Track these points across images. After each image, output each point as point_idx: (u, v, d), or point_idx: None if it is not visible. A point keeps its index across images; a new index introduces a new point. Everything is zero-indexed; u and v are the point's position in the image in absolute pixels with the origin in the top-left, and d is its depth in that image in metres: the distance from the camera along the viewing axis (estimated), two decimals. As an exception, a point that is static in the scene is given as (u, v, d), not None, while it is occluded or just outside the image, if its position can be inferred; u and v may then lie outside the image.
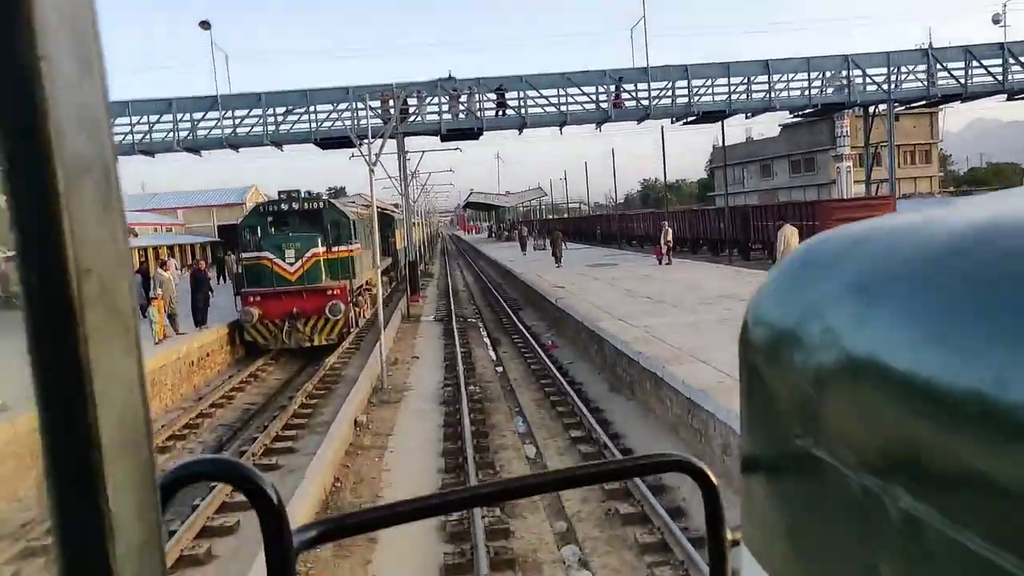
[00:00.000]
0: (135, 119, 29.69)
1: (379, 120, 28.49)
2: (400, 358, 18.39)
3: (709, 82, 32.94)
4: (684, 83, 32.64)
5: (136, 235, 47.04)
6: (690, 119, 33.90)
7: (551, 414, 12.52)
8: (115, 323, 0.59)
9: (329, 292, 19.41)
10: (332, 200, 22.08)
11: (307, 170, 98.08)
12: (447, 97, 31.69)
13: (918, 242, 0.78)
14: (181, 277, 26.19)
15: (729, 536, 1.08)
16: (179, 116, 29.87)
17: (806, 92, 33.45)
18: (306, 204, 20.60)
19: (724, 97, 33.05)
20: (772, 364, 0.94)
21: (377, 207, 33.48)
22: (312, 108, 30.84)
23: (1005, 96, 34.21)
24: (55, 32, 0.54)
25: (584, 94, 31.96)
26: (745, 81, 33.11)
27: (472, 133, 32.05)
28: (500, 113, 32.18)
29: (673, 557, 7.08)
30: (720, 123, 38.95)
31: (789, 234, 18.69)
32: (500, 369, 16.89)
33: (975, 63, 33.23)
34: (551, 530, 8.12)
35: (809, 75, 33.30)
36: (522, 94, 31.79)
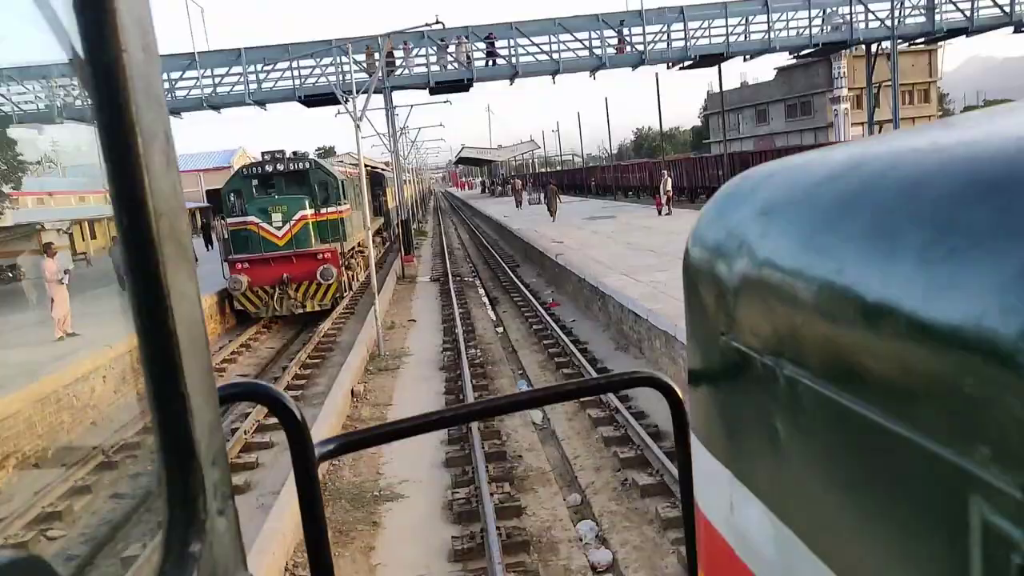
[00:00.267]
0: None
1: (365, 74, 27.43)
2: (396, 322, 17.76)
3: (706, 24, 31.78)
4: (680, 26, 31.50)
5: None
6: (687, 64, 32.80)
7: (556, 377, 11.93)
8: (180, 255, 0.81)
9: (320, 256, 18.68)
10: (318, 160, 21.18)
11: (295, 130, 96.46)
12: (435, 48, 30.56)
13: (807, 173, 0.98)
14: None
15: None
16: (156, 77, 28.67)
17: (806, 31, 32.32)
18: (291, 165, 19.72)
19: (721, 39, 31.92)
20: (704, 278, 1.11)
21: (366, 165, 32.63)
22: (295, 64, 29.70)
23: (1012, 28, 33.10)
24: (129, 31, 0.74)
25: (577, 40, 30.82)
26: (743, 22, 31.97)
27: (462, 85, 30.95)
28: (490, 63, 31.07)
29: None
30: (717, 67, 37.87)
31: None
32: (500, 330, 16.28)
33: (980, -6, 32.07)
34: (564, 504, 7.56)
35: (810, 13, 32.14)
36: (512, 42, 30.64)
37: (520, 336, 15.32)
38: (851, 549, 0.77)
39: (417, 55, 30.63)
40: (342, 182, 21.00)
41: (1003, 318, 0.55)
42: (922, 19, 32.62)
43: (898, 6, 32.37)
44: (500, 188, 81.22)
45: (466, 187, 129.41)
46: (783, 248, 0.90)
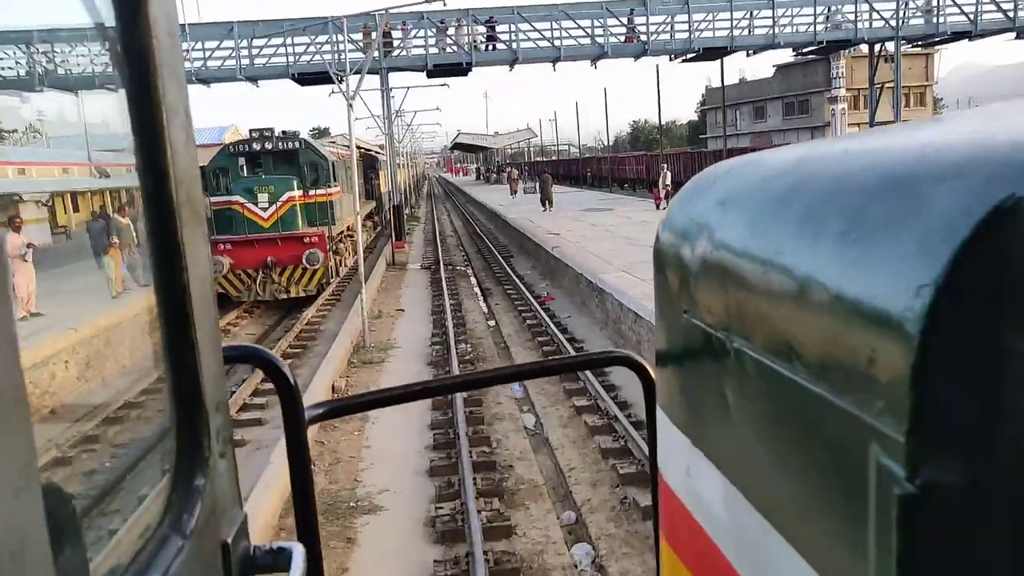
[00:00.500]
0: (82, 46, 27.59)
1: (360, 54, 26.62)
2: (384, 311, 17.09)
3: (710, 16, 31.08)
4: (684, 17, 30.79)
5: (108, 176, 45.05)
6: (690, 56, 32.12)
7: (551, 377, 11.31)
8: (195, 219, 0.93)
9: (306, 239, 17.96)
10: (309, 140, 20.42)
11: (290, 109, 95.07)
12: (434, 30, 29.75)
13: (760, 169, 1.07)
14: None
15: None
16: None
17: (810, 28, 31.68)
18: (280, 144, 18.95)
19: (725, 33, 31.24)
20: (670, 261, 1.18)
21: (360, 147, 31.84)
22: (289, 40, 28.85)
23: (1014, 35, 32.59)
24: (159, 22, 0.85)
25: (580, 28, 30.07)
26: (748, 16, 31.30)
27: (460, 68, 30.17)
28: (490, 47, 30.30)
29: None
30: (720, 61, 37.22)
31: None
32: (492, 323, 15.64)
33: (985, -1, 31.48)
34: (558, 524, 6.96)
35: (815, 9, 31.49)
36: (514, 27, 29.87)
37: (513, 331, 14.69)
38: (781, 499, 0.87)
39: (416, 36, 29.84)
40: (333, 163, 20.26)
41: (896, 290, 0.64)
42: (924, 21, 32.03)
43: (903, 7, 31.80)
44: (495, 175, 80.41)
45: (460, 173, 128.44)
46: (735, 234, 0.99)
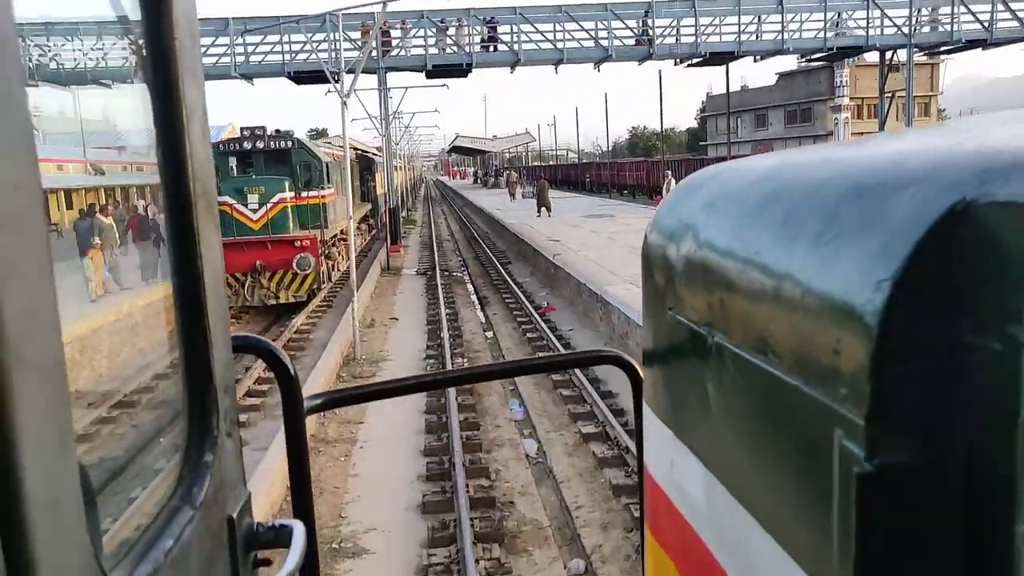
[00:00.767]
0: (87, 42, 26.80)
1: (359, 53, 25.85)
2: (377, 319, 16.30)
3: (717, 20, 30.37)
4: (690, 21, 30.08)
5: (103, 173, 44.24)
6: (696, 60, 31.40)
7: (553, 397, 10.54)
8: (209, 211, 0.99)
9: (297, 243, 17.16)
10: (302, 140, 19.62)
11: (288, 109, 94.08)
12: (434, 30, 29.00)
13: (745, 173, 1.11)
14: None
15: None
16: (136, 42, 26.98)
17: (820, 34, 31.00)
18: (272, 143, 18.15)
19: (732, 37, 30.53)
20: (657, 261, 1.22)
21: (356, 148, 31.06)
22: (285, 38, 28.07)
23: (1028, 44, 31.96)
24: (180, 25, 0.91)
25: (583, 29, 29.33)
26: (755, 20, 30.61)
27: (460, 70, 29.39)
28: (491, 48, 29.55)
29: None
30: (725, 67, 36.53)
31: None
32: (490, 335, 14.87)
33: (1000, 6, 30.83)
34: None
35: (825, 15, 30.81)
36: (515, 28, 29.13)
37: (512, 344, 13.92)
38: (756, 485, 0.90)
39: (415, 36, 29.09)
40: (327, 164, 19.49)
41: (859, 286, 0.68)
42: (938, 28, 31.38)
43: (915, 14, 31.15)
44: (493, 179, 79.62)
45: (458, 177, 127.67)
46: (719, 234, 1.03)
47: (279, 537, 1.14)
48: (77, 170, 42.95)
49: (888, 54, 33.66)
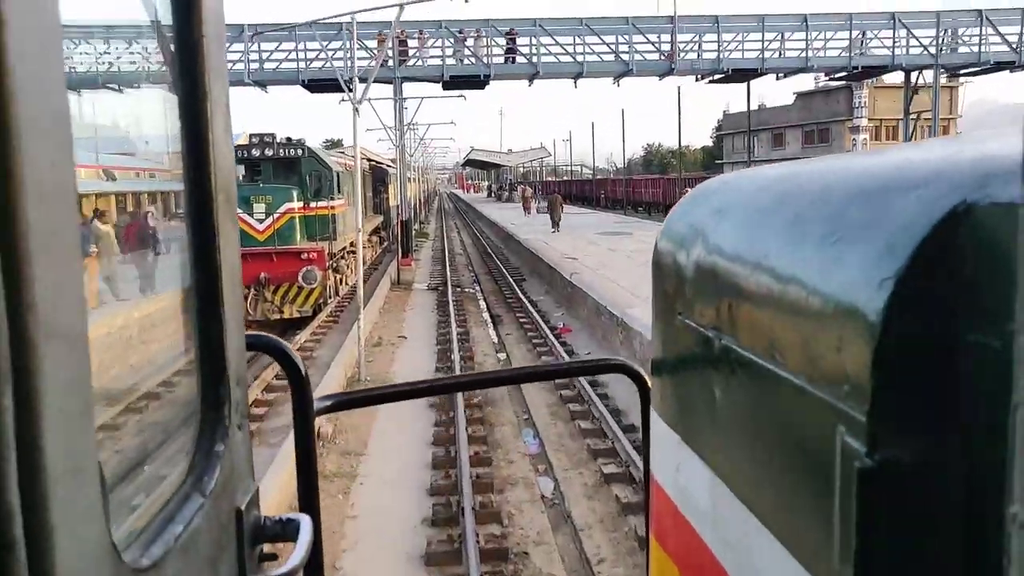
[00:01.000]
0: (100, 47, 26.39)
1: (374, 62, 25.32)
2: (384, 337, 15.60)
3: (740, 36, 29.72)
4: (713, 37, 29.45)
5: (114, 179, 43.85)
6: (717, 77, 30.73)
7: (571, 429, 9.78)
8: (228, 206, 1.02)
9: (304, 255, 16.49)
10: (313, 148, 19.01)
11: (304, 118, 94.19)
12: (452, 40, 28.48)
13: (753, 182, 1.15)
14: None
15: None
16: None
17: (845, 52, 30.28)
18: (282, 151, 17.54)
19: (756, 54, 29.86)
20: (667, 268, 1.25)
21: (370, 159, 30.50)
22: (301, 45, 27.61)
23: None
24: (207, 21, 0.93)
25: (604, 43, 28.73)
26: (779, 37, 29.95)
27: (478, 81, 28.85)
28: (510, 60, 28.98)
29: None
30: (747, 84, 35.85)
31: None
32: (503, 356, 14.14)
33: (1032, 28, 30.02)
34: None
35: (851, 33, 30.12)
36: (535, 40, 28.57)
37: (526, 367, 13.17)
38: (760, 484, 0.90)
39: (432, 46, 28.58)
40: (338, 174, 18.87)
41: (863, 285, 0.69)
42: (967, 49, 30.60)
43: (942, 34, 30.42)
44: (507, 193, 79.04)
45: (472, 190, 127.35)
46: (728, 239, 1.04)
47: (286, 531, 1.14)
48: (90, 175, 42.61)
49: (913, 74, 32.91)
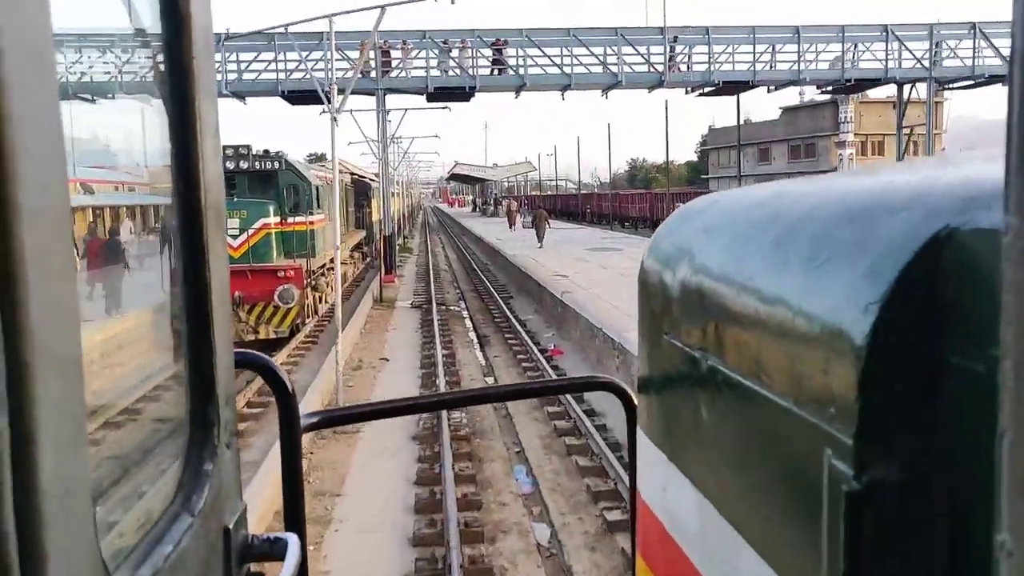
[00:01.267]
0: (73, 57, 25.42)
1: (358, 74, 24.52)
2: (365, 359, 14.70)
3: (731, 48, 29.19)
4: (703, 48, 28.90)
5: (92, 192, 42.70)
6: (708, 90, 30.17)
7: (567, 465, 8.93)
8: (218, 223, 1.02)
9: (280, 273, 15.60)
10: (291, 160, 18.15)
11: (286, 131, 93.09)
12: (436, 51, 27.76)
13: (740, 202, 1.15)
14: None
15: None
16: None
17: (837, 65, 29.81)
18: (257, 163, 16.67)
19: (747, 67, 29.34)
20: (654, 287, 1.25)
21: (353, 173, 29.62)
22: (281, 56, 26.80)
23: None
24: (198, 42, 0.95)
25: (592, 55, 28.09)
26: (770, 50, 29.45)
27: (463, 93, 28.10)
28: (496, 71, 28.28)
29: None
30: (736, 97, 35.41)
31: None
32: (491, 381, 13.28)
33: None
34: None
35: (843, 46, 29.67)
36: (522, 51, 27.89)
37: (516, 394, 12.31)
38: (746, 505, 0.90)
39: (416, 57, 27.83)
40: (318, 188, 18.02)
41: (848, 308, 0.69)
42: (959, 62, 30.24)
43: (935, 47, 30.05)
44: (492, 208, 78.34)
45: (457, 204, 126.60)
46: (714, 259, 1.04)
47: (273, 550, 1.14)
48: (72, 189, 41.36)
49: (906, 88, 32.51)
